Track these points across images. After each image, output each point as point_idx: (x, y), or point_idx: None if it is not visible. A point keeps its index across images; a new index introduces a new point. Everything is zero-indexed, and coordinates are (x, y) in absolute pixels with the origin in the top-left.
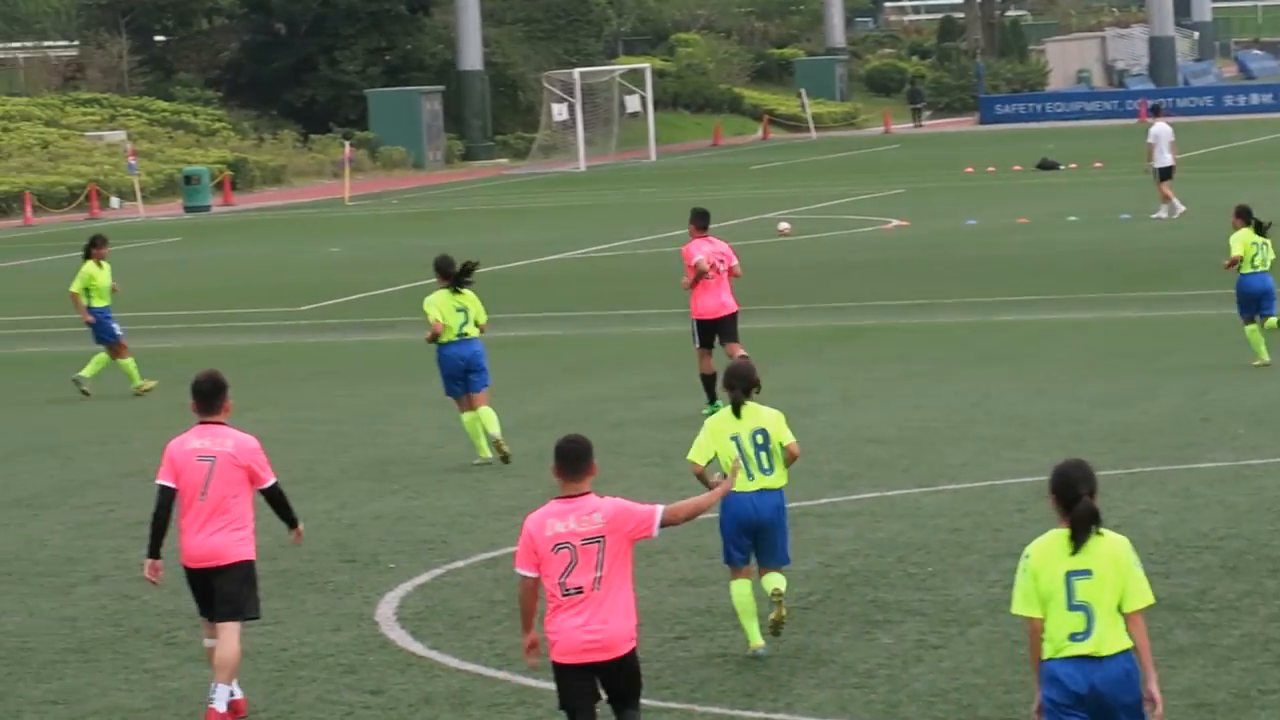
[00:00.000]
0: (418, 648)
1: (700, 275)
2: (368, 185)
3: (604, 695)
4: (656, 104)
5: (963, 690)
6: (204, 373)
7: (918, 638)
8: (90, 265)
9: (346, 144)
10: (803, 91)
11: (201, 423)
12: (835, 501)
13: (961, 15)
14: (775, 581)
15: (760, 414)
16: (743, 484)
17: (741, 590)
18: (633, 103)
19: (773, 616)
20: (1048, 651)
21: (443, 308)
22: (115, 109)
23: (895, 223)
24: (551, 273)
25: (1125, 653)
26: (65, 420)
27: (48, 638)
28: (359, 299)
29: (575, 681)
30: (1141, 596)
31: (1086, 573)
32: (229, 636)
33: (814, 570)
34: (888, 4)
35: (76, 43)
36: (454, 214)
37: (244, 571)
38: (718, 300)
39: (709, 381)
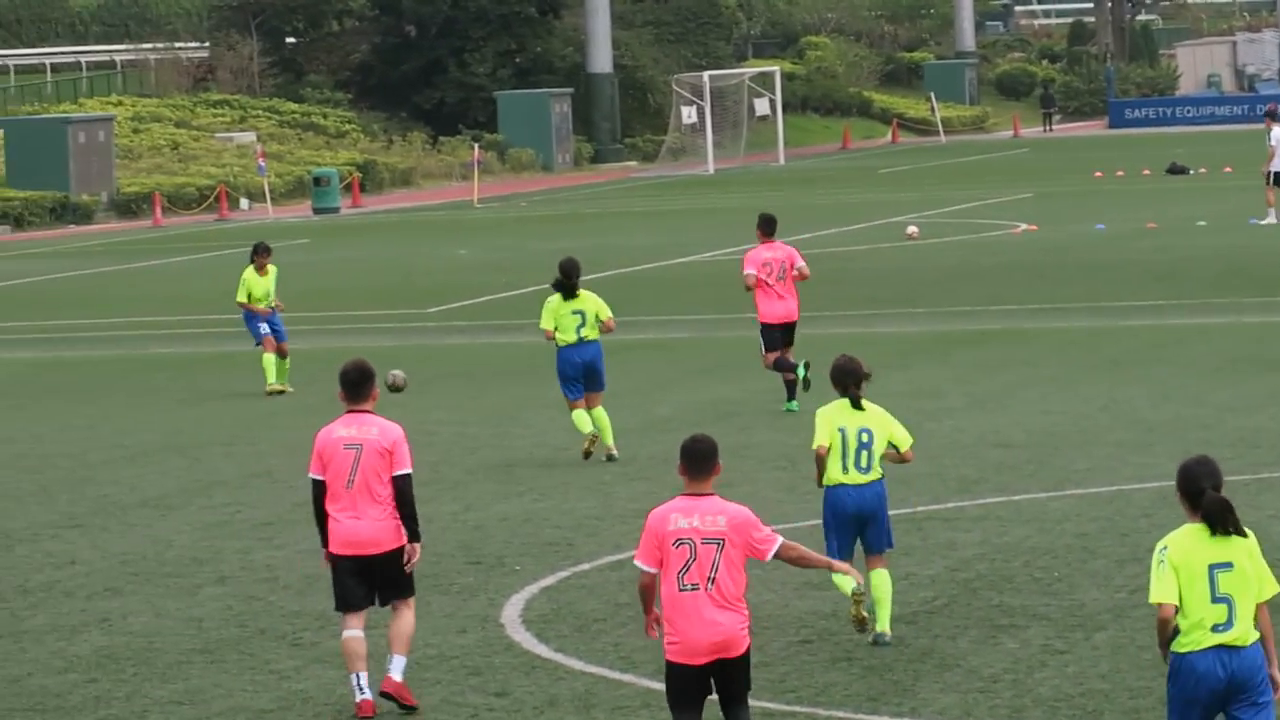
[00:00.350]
0: (543, 650)
1: (748, 288)
2: (496, 187)
3: (714, 695)
4: (785, 107)
5: (1088, 696)
6: (351, 361)
7: (1043, 643)
8: (249, 271)
9: (475, 146)
10: (932, 95)
11: (349, 411)
12: (961, 506)
13: (1092, 19)
14: (881, 581)
15: (872, 414)
16: (837, 477)
17: (869, 574)
18: (762, 106)
19: (854, 614)
20: (1185, 644)
21: (558, 313)
22: (245, 110)
23: (1023, 227)
24: (679, 275)
25: (1256, 643)
26: (193, 421)
27: (174, 638)
28: (486, 301)
29: (686, 680)
30: (1272, 586)
31: (1228, 565)
32: (406, 610)
33: (940, 574)
34: (1018, 8)
35: (207, 44)
36: (582, 216)
37: (399, 558)
38: (785, 306)
39: (786, 379)
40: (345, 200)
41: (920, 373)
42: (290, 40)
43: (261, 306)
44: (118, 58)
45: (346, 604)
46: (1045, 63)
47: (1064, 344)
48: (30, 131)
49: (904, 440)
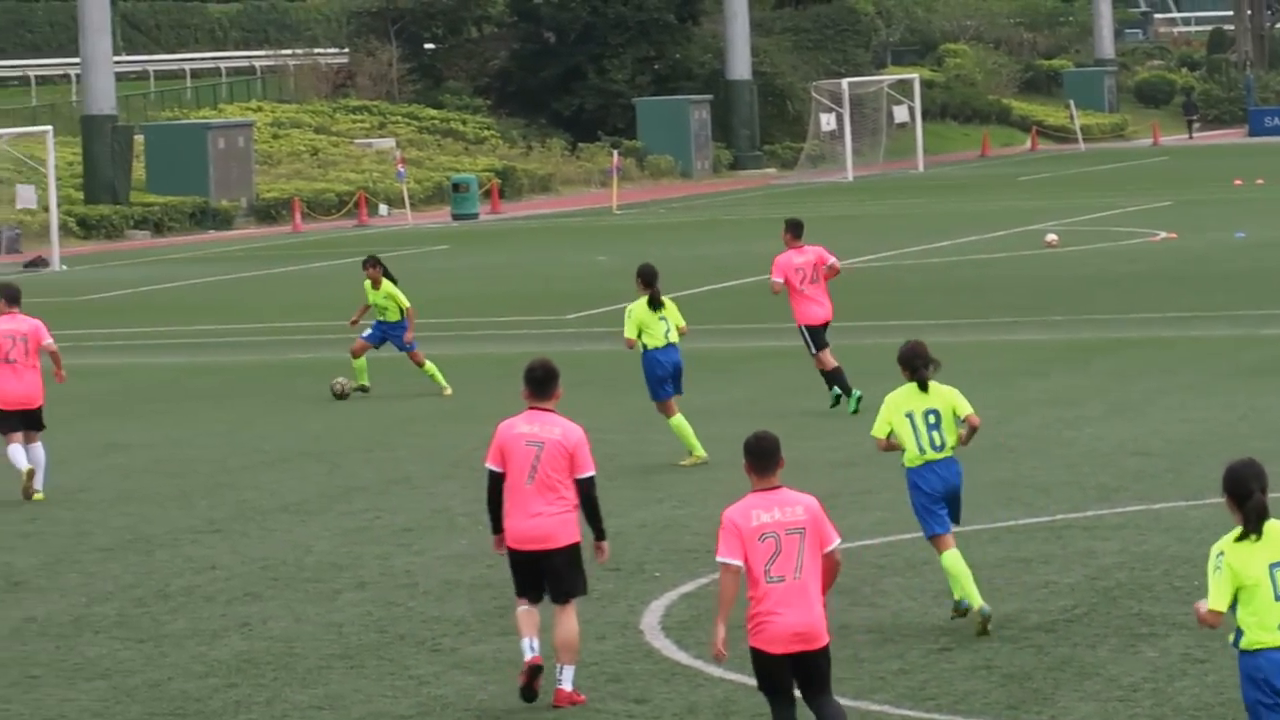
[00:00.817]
0: (682, 657)
1: (775, 290)
2: (635, 194)
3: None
4: (924, 114)
5: (1228, 705)
6: (537, 360)
7: (1183, 651)
8: (367, 284)
9: (614, 152)
10: (1071, 103)
11: (532, 408)
12: (1100, 514)
13: (1231, 27)
14: (956, 558)
15: (939, 393)
16: (915, 459)
17: (951, 557)
18: (901, 113)
19: (980, 626)
20: (1251, 643)
21: (644, 319)
22: (384, 116)
23: (1163, 235)
24: None
25: None
26: (332, 427)
27: (314, 643)
28: (624, 308)
29: (776, 670)
30: None
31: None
32: (567, 618)
33: (1079, 583)
34: (1157, 15)
35: (346, 50)
36: (721, 223)
37: (572, 554)
38: (821, 308)
39: (830, 377)
40: (484, 206)
41: (1059, 381)
42: (429, 46)
43: (377, 318)
44: (257, 64)
45: (521, 593)
46: (1184, 70)
47: (1203, 352)
48: (171, 137)
49: (965, 407)
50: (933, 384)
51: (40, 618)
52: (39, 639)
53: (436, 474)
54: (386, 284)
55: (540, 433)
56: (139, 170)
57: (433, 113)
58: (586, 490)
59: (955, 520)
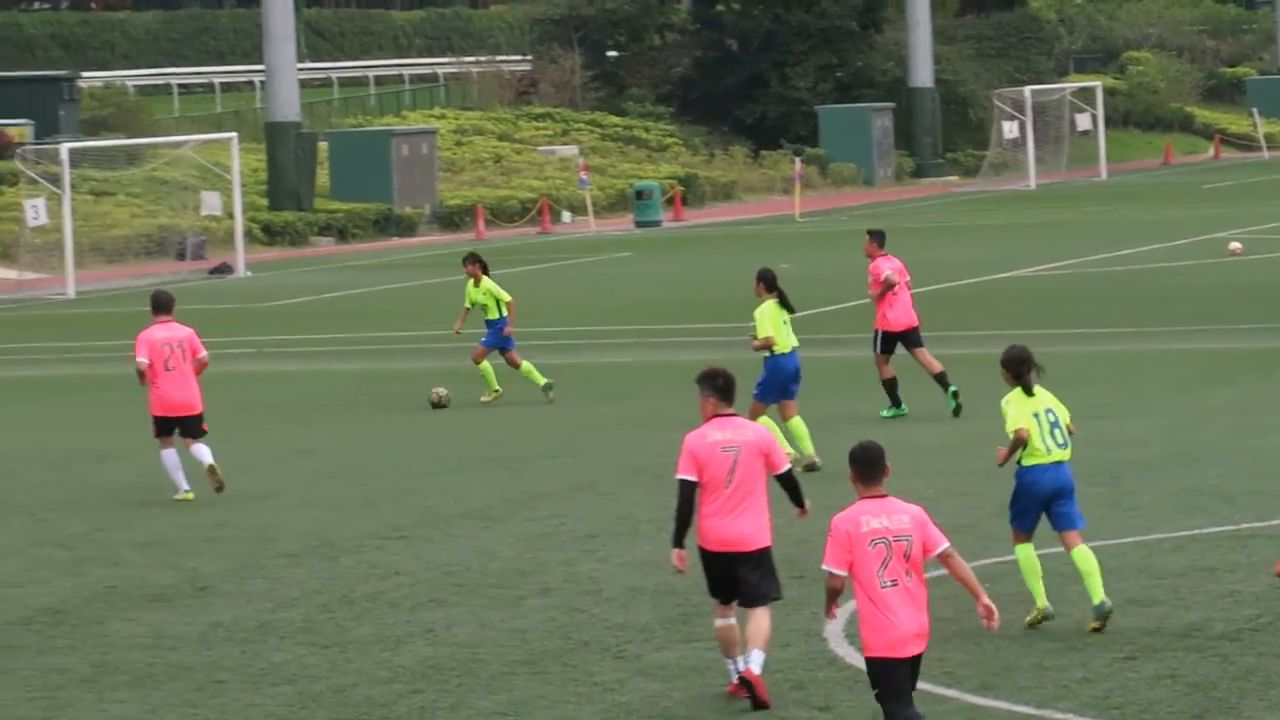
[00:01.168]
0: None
1: (888, 288)
2: (818, 202)
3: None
4: (1107, 122)
5: None
6: (718, 368)
7: None
8: (469, 283)
9: (797, 160)
10: (1255, 110)
11: (717, 415)
12: None
13: None
14: (1087, 556)
15: (1045, 397)
16: (1040, 457)
17: (1026, 553)
18: (1083, 121)
19: (1095, 626)
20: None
21: (774, 320)
22: (567, 124)
23: None
24: (1000, 291)
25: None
26: (515, 433)
27: (498, 649)
28: (808, 315)
29: (900, 675)
30: None
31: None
32: (761, 617)
33: (1264, 592)
34: None
35: (529, 57)
36: (903, 231)
37: (766, 558)
38: (908, 313)
39: (891, 386)
40: (667, 214)
41: (1243, 389)
42: (612, 54)
43: (492, 316)
44: (440, 70)
45: (714, 593)
46: None
47: None
48: (354, 144)
49: (1067, 414)
50: (1037, 388)
51: (226, 623)
52: (225, 644)
53: (620, 480)
54: (486, 280)
55: (734, 437)
56: (323, 177)
57: (615, 120)
58: (786, 480)
59: (1079, 523)
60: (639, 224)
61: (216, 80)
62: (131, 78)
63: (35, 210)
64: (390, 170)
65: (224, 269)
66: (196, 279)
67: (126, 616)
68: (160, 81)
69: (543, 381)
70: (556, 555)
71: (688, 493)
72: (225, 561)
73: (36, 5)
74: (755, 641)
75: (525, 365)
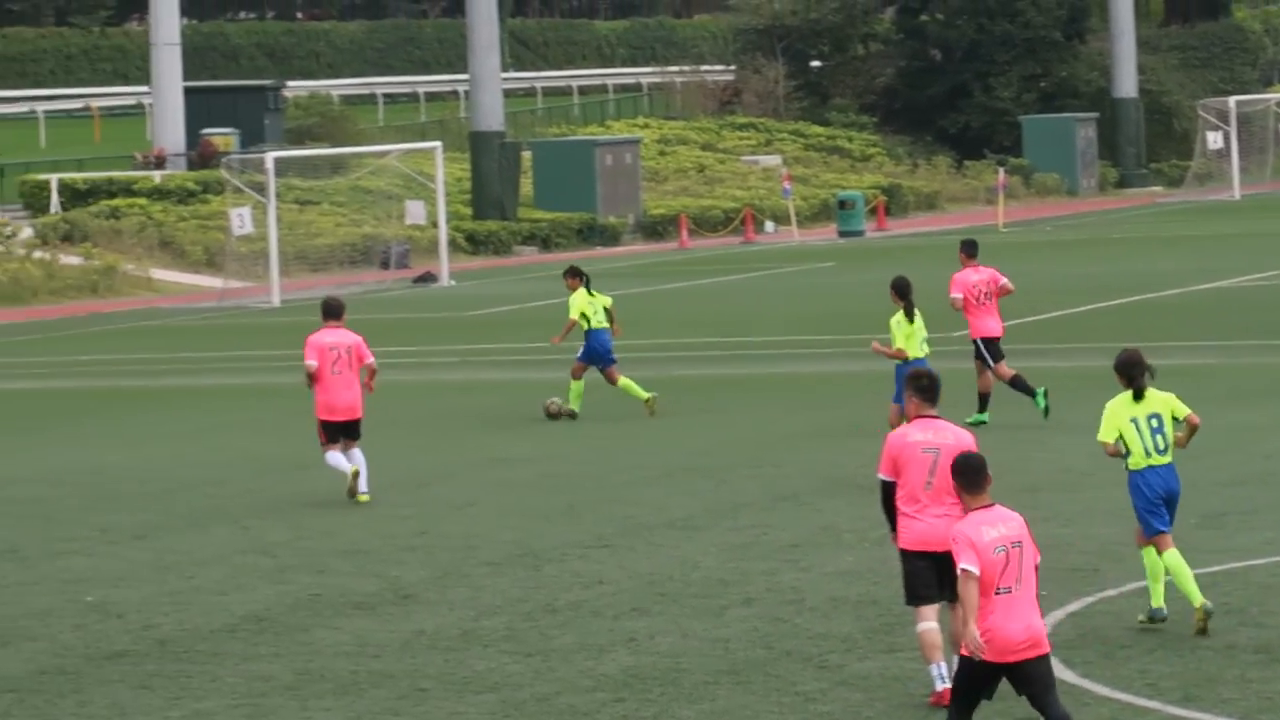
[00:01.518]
0: (1069, 675)
1: (956, 307)
2: (1021, 212)
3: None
4: None
5: None
6: (923, 369)
7: None
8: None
9: (1001, 170)
10: None
11: (920, 416)
12: None
13: None
14: (1178, 559)
15: (1156, 399)
16: (1147, 460)
17: (1173, 556)
18: None
19: (1200, 623)
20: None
21: (906, 331)
22: (770, 133)
23: None
24: (1204, 301)
25: None
26: (718, 442)
27: (700, 659)
28: (1009, 325)
29: (993, 679)
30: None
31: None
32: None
33: None
34: None
35: (733, 67)
36: (1107, 241)
37: None
38: (993, 322)
39: (1012, 384)
40: (870, 223)
41: None
42: (815, 64)
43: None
44: (644, 80)
45: (917, 597)
46: None
47: None
48: (558, 154)
49: (1183, 409)
50: (1149, 391)
51: (429, 631)
52: (428, 652)
53: (822, 490)
54: (581, 291)
55: (934, 439)
56: (526, 186)
57: (819, 130)
58: None
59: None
60: (842, 234)
61: (421, 90)
62: (336, 87)
63: (240, 219)
64: (594, 179)
65: (428, 278)
66: (400, 288)
67: (330, 624)
68: (365, 91)
69: (645, 395)
70: (759, 565)
71: (886, 492)
72: (428, 570)
73: (243, 15)
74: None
75: (623, 380)
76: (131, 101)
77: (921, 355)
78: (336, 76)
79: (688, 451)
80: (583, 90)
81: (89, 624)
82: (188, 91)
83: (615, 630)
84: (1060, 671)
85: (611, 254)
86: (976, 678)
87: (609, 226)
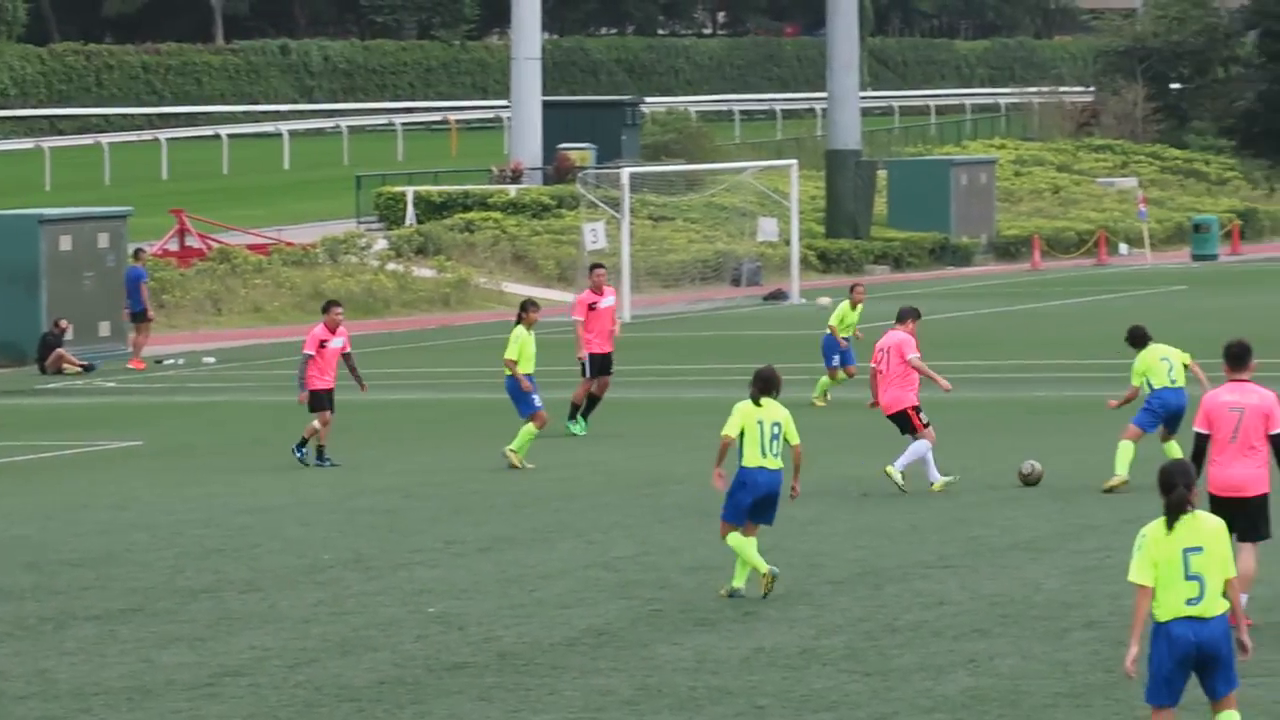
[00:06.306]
0: None
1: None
2: None
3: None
4: None
5: None
6: (1236, 339)
7: None
8: (520, 330)
9: None
10: None
11: (1232, 380)
12: None
13: None
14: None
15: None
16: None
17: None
18: None
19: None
20: (1162, 615)
21: (1148, 364)
22: (1127, 156)
23: None
24: None
25: (1223, 614)
26: (1072, 464)
27: (1040, 681)
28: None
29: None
30: (1233, 566)
31: (1199, 549)
32: (1248, 555)
33: None
34: None
35: (1092, 89)
36: None
37: (1263, 501)
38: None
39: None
40: (1224, 248)
41: None
42: (1175, 86)
43: (529, 370)
44: (1002, 100)
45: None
46: None
47: None
48: (914, 173)
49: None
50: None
51: (769, 648)
52: (767, 669)
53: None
54: (522, 329)
55: (1241, 400)
56: (880, 205)
57: (1176, 153)
58: (1277, 443)
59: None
60: (1196, 257)
61: (778, 107)
62: (694, 103)
63: (594, 234)
64: (949, 199)
65: (778, 295)
66: (751, 305)
67: (671, 640)
68: (723, 108)
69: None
70: (1103, 588)
71: (1199, 444)
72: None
73: (603, 30)
74: (1240, 585)
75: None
76: (489, 115)
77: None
78: (695, 93)
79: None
80: (940, 110)
81: (431, 635)
82: (546, 106)
83: (956, 651)
84: None
85: (962, 274)
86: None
87: (961, 246)
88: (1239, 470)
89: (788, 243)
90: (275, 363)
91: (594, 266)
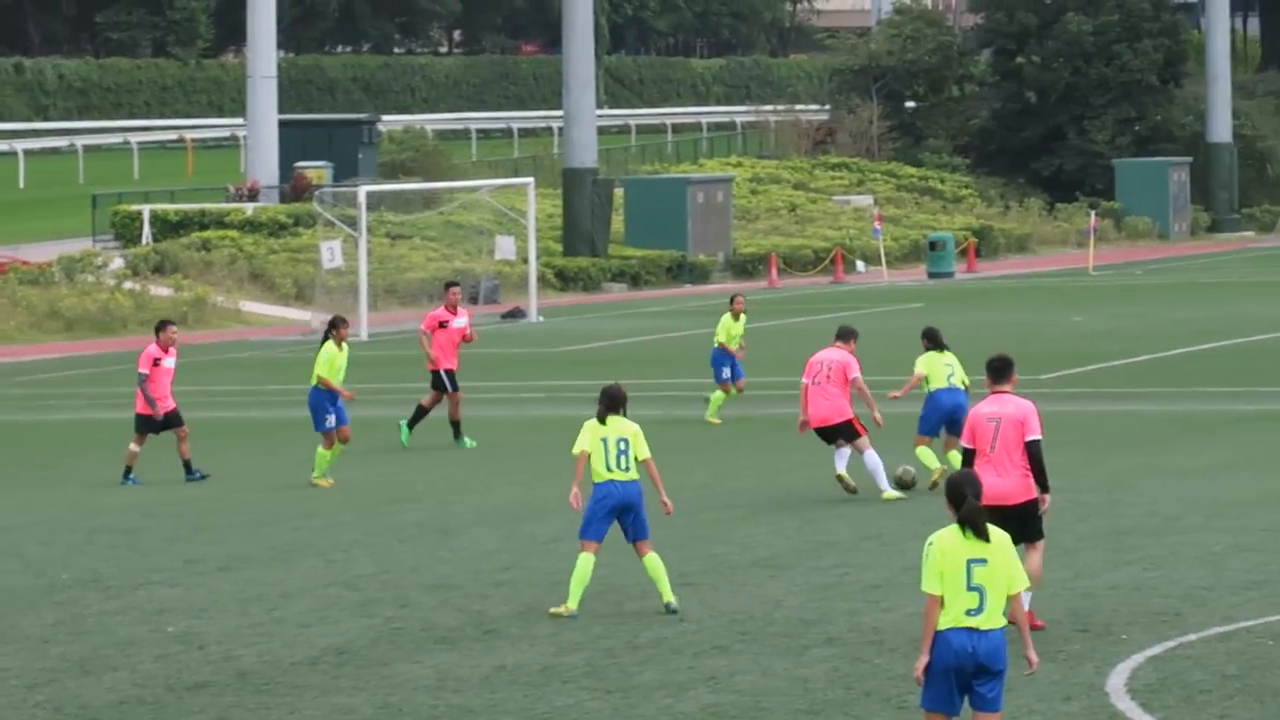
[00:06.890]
0: None
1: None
2: (1112, 255)
3: None
4: None
5: None
6: (997, 355)
7: None
8: (330, 346)
9: (1092, 213)
10: None
11: (993, 393)
12: None
13: None
14: None
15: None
16: None
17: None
18: None
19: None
20: (942, 623)
21: (931, 364)
22: (863, 174)
23: None
24: None
25: (1003, 629)
26: (807, 481)
27: (780, 698)
28: (1101, 369)
29: None
30: (1021, 581)
31: (983, 561)
32: (1034, 556)
33: None
34: None
35: (828, 107)
36: (1199, 286)
37: (1028, 506)
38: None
39: None
40: (960, 265)
41: None
42: (910, 105)
43: (337, 384)
44: (738, 119)
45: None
46: None
47: None
48: (651, 191)
49: None
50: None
51: (510, 666)
52: (509, 687)
53: (908, 531)
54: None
55: (999, 410)
56: (618, 223)
57: (911, 170)
58: (1033, 452)
59: None
60: (932, 275)
61: (515, 125)
62: (431, 122)
63: (331, 252)
64: (685, 217)
65: (516, 313)
66: (489, 323)
67: (413, 658)
68: (459, 126)
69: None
70: (841, 605)
71: (967, 457)
72: (512, 605)
73: (339, 49)
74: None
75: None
76: (226, 134)
77: (948, 386)
78: (432, 111)
79: (778, 490)
80: (677, 128)
81: (171, 654)
82: (282, 124)
83: (696, 668)
84: (1138, 716)
85: (701, 292)
86: None
87: (699, 264)
88: (1001, 480)
89: (525, 261)
90: (13, 381)
91: (449, 285)
